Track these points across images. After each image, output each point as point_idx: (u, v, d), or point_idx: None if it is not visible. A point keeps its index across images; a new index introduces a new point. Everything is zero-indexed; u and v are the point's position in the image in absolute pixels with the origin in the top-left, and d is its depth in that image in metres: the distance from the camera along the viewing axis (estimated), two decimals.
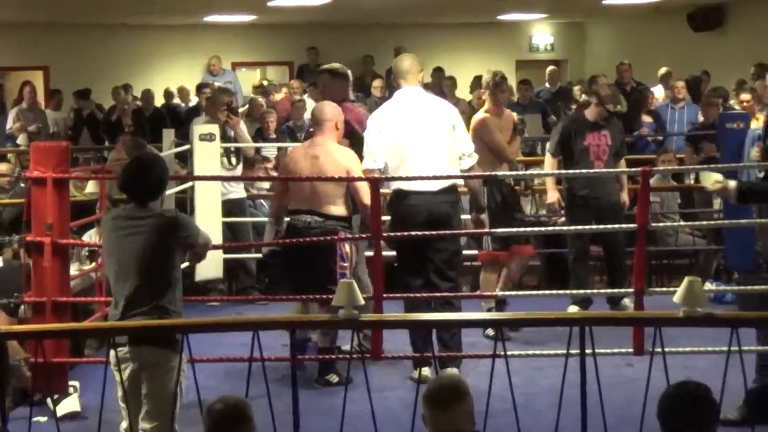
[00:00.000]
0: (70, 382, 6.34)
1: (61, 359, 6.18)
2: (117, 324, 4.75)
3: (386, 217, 7.06)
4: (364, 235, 6.83)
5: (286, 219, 7.01)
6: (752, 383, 5.86)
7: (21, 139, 13.38)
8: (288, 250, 6.82)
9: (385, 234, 6.70)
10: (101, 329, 4.67)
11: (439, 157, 6.66)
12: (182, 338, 4.60)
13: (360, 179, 6.70)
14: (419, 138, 6.66)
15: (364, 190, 6.72)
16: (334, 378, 6.81)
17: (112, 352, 4.71)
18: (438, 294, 6.73)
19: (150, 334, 4.73)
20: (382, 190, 7.42)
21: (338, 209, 6.78)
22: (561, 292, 7.35)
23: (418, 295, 6.71)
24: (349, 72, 7.75)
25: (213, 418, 3.76)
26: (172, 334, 4.73)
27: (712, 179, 5.94)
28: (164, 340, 4.75)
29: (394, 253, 7.00)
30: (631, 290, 6.31)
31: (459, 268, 7.04)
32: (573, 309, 7.99)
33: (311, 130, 11.11)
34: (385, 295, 6.55)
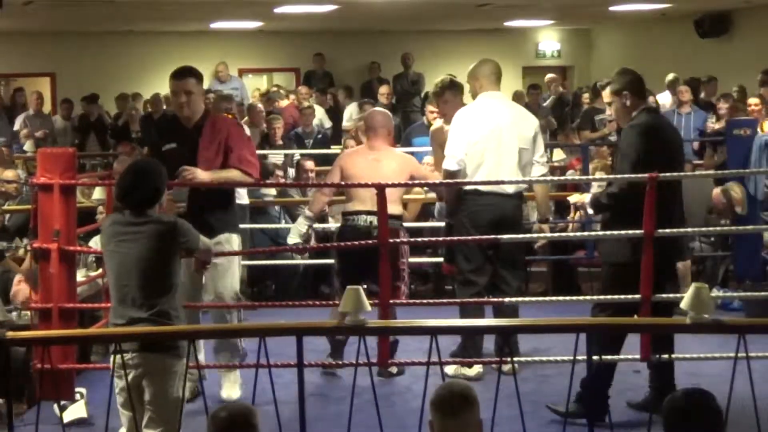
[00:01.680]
0: (77, 389, 6.33)
1: (68, 366, 6.17)
2: (125, 330, 4.70)
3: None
4: (371, 241, 6.82)
5: (343, 218, 7.23)
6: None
7: (28, 146, 13.38)
8: (351, 251, 6.94)
9: (396, 240, 6.73)
10: (108, 336, 4.65)
11: (518, 163, 6.91)
12: (188, 344, 4.58)
13: (417, 184, 7.28)
14: (502, 143, 6.88)
15: (427, 175, 7.17)
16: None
17: (116, 358, 4.69)
18: (453, 300, 6.84)
19: (155, 340, 4.71)
20: (432, 195, 7.62)
21: (395, 209, 6.96)
22: (568, 298, 7.31)
23: (423, 301, 6.76)
24: None
25: (216, 426, 3.73)
26: (176, 340, 4.73)
27: (575, 197, 6.61)
28: (168, 346, 4.73)
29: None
30: (638, 296, 6.29)
31: (521, 264, 7.31)
32: None
33: (320, 136, 11.08)
34: (391, 301, 6.55)
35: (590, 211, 6.50)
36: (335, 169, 7.28)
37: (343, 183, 7.12)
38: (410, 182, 7.19)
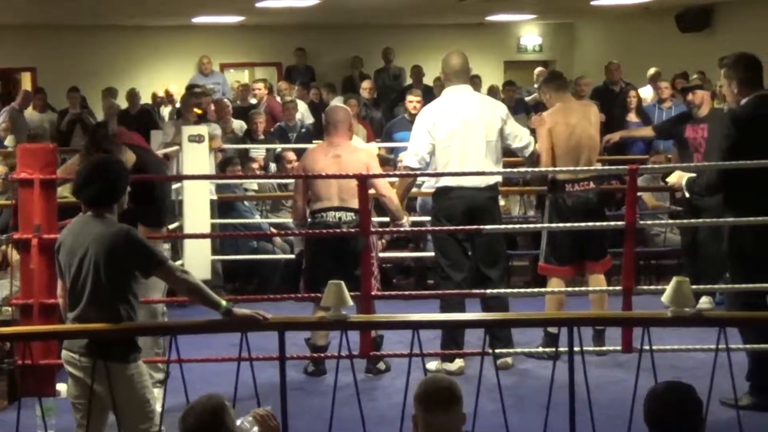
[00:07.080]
0: (58, 385, 6.31)
1: (49, 361, 6.14)
2: (105, 326, 4.53)
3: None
4: (353, 229, 6.79)
5: (311, 217, 7.15)
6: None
7: (9, 141, 13.28)
8: (321, 246, 6.98)
9: (373, 230, 6.72)
10: (89, 332, 4.62)
11: (486, 156, 6.87)
12: (170, 339, 4.56)
13: (378, 176, 6.95)
14: (468, 137, 6.86)
15: (383, 183, 7.00)
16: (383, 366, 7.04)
17: (65, 353, 4.59)
18: (434, 292, 6.83)
19: (106, 342, 4.52)
20: (414, 190, 7.63)
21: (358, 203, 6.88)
22: (551, 290, 7.30)
23: (406, 293, 6.76)
24: None
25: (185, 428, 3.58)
26: (126, 347, 4.54)
27: (677, 176, 6.37)
28: (117, 354, 4.51)
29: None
30: (619, 288, 6.30)
31: (502, 257, 7.23)
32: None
33: (303, 130, 11.07)
34: (373, 293, 6.55)
35: (686, 194, 6.44)
36: (299, 171, 7.29)
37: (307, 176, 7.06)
38: (391, 173, 7.14)
